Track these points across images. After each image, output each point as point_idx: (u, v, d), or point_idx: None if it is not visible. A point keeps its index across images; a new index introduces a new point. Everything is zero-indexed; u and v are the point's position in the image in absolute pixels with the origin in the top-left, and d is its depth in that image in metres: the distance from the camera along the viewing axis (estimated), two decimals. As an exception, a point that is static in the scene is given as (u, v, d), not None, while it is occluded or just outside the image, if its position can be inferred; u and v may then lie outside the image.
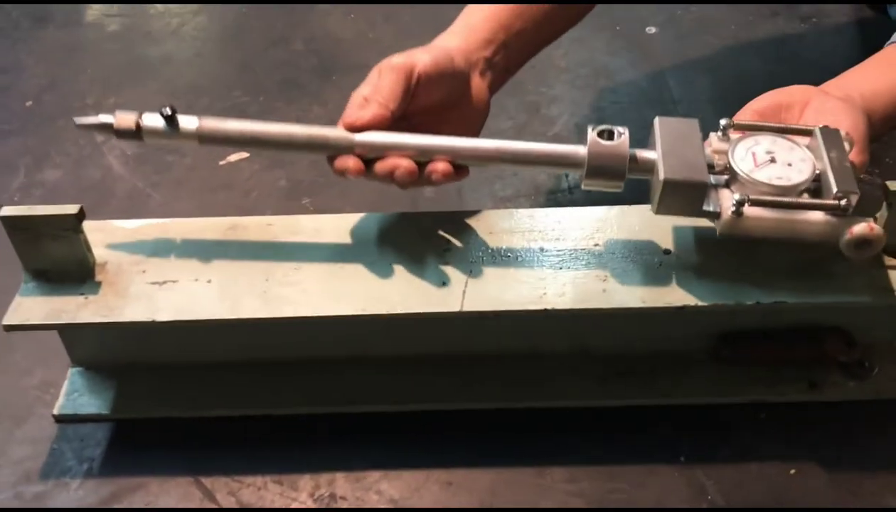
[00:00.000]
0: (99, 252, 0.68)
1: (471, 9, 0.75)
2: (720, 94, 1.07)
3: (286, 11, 1.26)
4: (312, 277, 0.66)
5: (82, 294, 0.65)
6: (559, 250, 0.68)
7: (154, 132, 0.63)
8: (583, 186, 0.63)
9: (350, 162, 0.62)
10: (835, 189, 0.58)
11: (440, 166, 0.63)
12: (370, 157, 0.63)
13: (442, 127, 0.68)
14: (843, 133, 0.63)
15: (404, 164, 0.62)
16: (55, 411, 0.70)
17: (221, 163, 0.98)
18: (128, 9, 1.30)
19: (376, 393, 0.71)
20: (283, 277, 0.66)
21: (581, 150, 0.62)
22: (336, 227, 0.70)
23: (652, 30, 1.19)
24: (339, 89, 1.10)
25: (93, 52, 1.21)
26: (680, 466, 0.66)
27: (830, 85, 0.74)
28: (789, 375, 0.71)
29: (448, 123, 0.69)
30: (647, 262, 0.66)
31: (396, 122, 0.65)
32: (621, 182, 0.62)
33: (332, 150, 0.63)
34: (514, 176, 0.96)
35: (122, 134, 0.63)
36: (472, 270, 0.66)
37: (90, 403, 0.71)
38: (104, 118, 0.63)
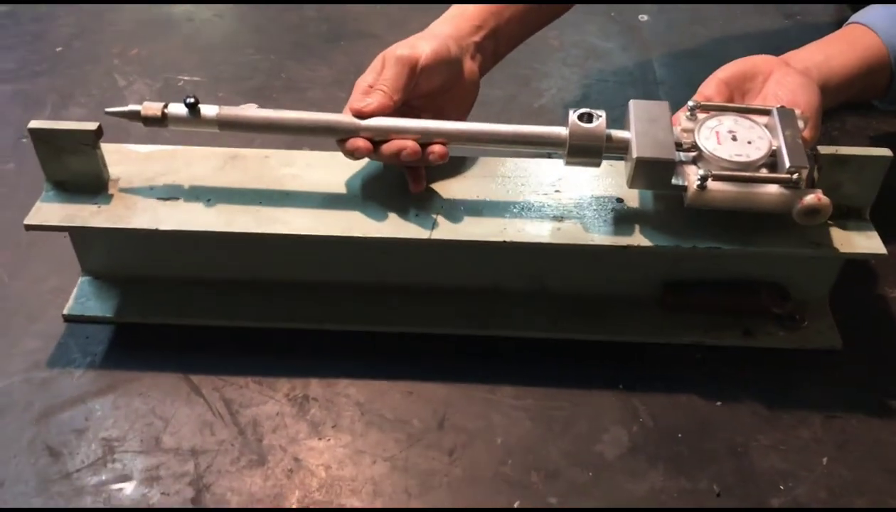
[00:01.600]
0: (114, 170, 0.76)
1: None
2: (700, 79, 1.13)
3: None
4: (301, 204, 0.74)
5: (96, 203, 0.73)
6: (523, 195, 0.75)
7: (178, 119, 0.71)
8: (564, 164, 0.71)
9: (360, 142, 0.70)
10: (788, 164, 0.66)
11: (437, 149, 0.70)
12: (376, 139, 0.71)
13: (438, 108, 0.76)
14: (798, 112, 0.70)
15: (409, 145, 0.69)
16: (65, 312, 0.79)
17: (231, 111, 1.06)
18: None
19: (350, 314, 0.79)
20: (276, 201, 0.74)
21: (563, 132, 0.70)
22: (327, 163, 0.78)
23: (644, 17, 1.27)
24: (345, 54, 1.18)
25: (120, 6, 1.29)
26: (617, 392, 0.74)
27: (791, 56, 0.81)
28: (727, 323, 0.78)
29: (444, 105, 0.77)
30: (602, 208, 0.74)
31: (405, 109, 0.73)
32: (599, 159, 0.70)
33: (342, 134, 0.71)
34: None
35: (149, 121, 0.71)
36: (444, 206, 0.73)
37: (96, 306, 0.79)
38: (133, 107, 0.71)
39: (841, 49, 0.82)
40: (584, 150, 0.69)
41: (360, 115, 0.70)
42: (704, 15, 1.28)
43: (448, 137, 0.71)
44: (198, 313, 0.79)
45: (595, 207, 0.74)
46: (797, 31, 1.25)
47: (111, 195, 0.74)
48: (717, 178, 0.67)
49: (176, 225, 0.72)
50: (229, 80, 1.12)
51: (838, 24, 1.28)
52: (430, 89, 0.75)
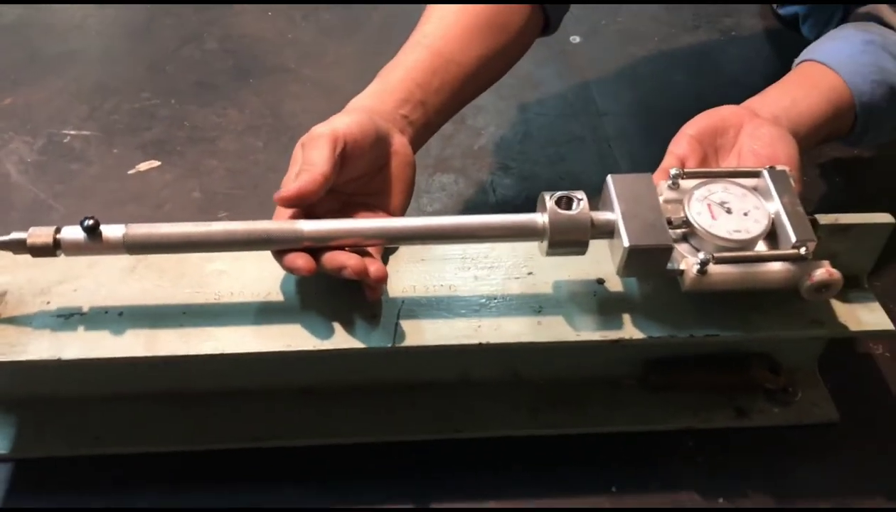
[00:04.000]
0: (-3, 281, 0.62)
1: (385, 70, 0.73)
2: (644, 108, 1.08)
3: (200, 8, 1.20)
4: (234, 310, 0.62)
5: (-22, 329, 0.60)
6: (492, 280, 0.66)
7: (75, 246, 0.58)
8: (544, 256, 0.61)
9: (300, 261, 0.58)
10: (793, 238, 0.59)
11: (375, 272, 0.59)
12: (318, 246, 0.60)
13: (376, 191, 0.67)
14: (787, 170, 0.63)
15: (351, 263, 0.58)
16: (-54, 453, 0.65)
17: (130, 172, 0.93)
18: (25, -3, 1.22)
19: (295, 428, 0.68)
20: (203, 312, 0.62)
21: (539, 220, 0.60)
22: (258, 252, 0.66)
23: (576, 39, 1.19)
24: (256, 93, 1.06)
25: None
26: (611, 497, 0.66)
27: (756, 104, 0.75)
28: (716, 401, 0.72)
29: (382, 187, 0.67)
30: (582, 292, 0.65)
31: (331, 196, 0.63)
32: (585, 249, 0.61)
33: (282, 245, 0.59)
34: (441, 190, 0.93)
35: (37, 251, 0.58)
36: (405, 306, 0.63)
37: (-14, 442, 0.66)
38: (15, 236, 0.58)
39: (805, 92, 0.77)
40: (568, 241, 0.60)
41: (286, 200, 0.59)
42: (637, 33, 1.21)
43: (407, 237, 0.61)
44: (115, 440, 0.66)
45: (575, 293, 0.65)
46: (734, 48, 1.20)
47: (-3, 316, 0.61)
48: (718, 261, 0.59)
49: (82, 352, 0.59)
50: (125, 133, 0.98)
51: (773, 37, 1.25)
52: (362, 169, 0.65)
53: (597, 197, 0.92)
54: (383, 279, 0.59)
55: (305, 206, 0.63)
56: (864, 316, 0.65)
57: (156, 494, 0.64)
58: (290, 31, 1.17)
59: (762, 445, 0.70)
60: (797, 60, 0.83)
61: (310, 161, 0.61)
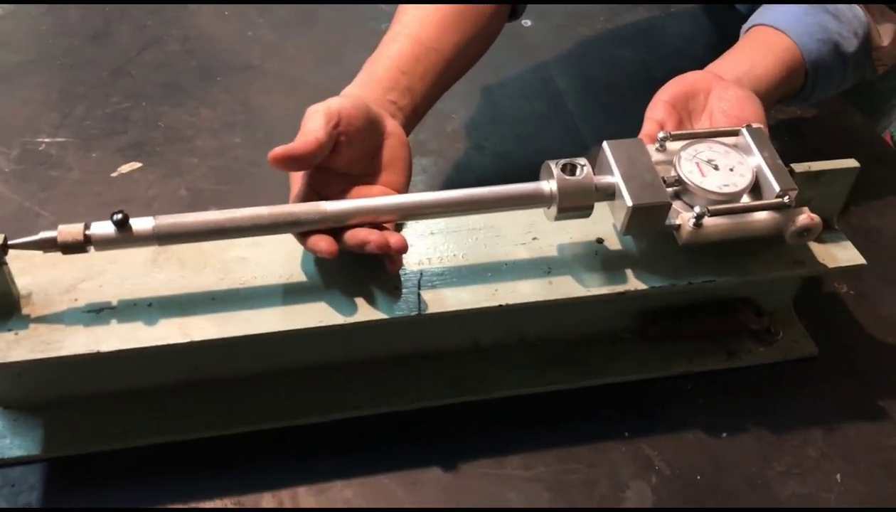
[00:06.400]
0: (21, 283, 0.63)
1: (370, 62, 0.76)
2: (599, 84, 1.13)
3: (154, 11, 1.20)
4: (261, 293, 0.64)
5: (10, 330, 0.60)
6: (500, 247, 0.70)
7: (106, 241, 0.59)
8: (553, 220, 0.65)
9: (322, 244, 0.61)
10: (777, 188, 0.64)
11: (395, 242, 0.62)
12: (340, 226, 0.63)
13: (376, 171, 0.69)
14: (762, 126, 0.69)
15: (374, 238, 0.61)
16: (-23, 459, 0.65)
17: (113, 174, 0.93)
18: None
19: (325, 403, 0.71)
20: (231, 296, 0.64)
21: (545, 187, 0.64)
22: (274, 236, 0.68)
23: (528, 23, 1.23)
24: (226, 91, 1.07)
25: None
26: (625, 442, 0.71)
27: (719, 68, 0.80)
28: (707, 347, 0.77)
29: (383, 166, 0.70)
30: (584, 253, 0.70)
31: (338, 179, 0.66)
32: (590, 211, 0.65)
33: (306, 226, 0.62)
34: (422, 172, 0.97)
35: (68, 248, 0.58)
36: (423, 277, 0.66)
37: (17, 444, 0.66)
38: (45, 235, 0.58)
39: (761, 55, 0.83)
40: (575, 206, 0.65)
41: (276, 160, 0.61)
42: (585, 14, 1.26)
43: (425, 211, 0.64)
44: (147, 432, 0.68)
45: (578, 253, 0.70)
46: (673, 22, 1.26)
47: (27, 315, 0.61)
48: (712, 213, 0.64)
49: (119, 344, 0.60)
50: (100, 137, 0.98)
51: (707, 11, 1.32)
52: (361, 148, 0.68)
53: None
54: (404, 249, 0.62)
55: (319, 191, 0.66)
56: (839, 254, 0.72)
57: (190, 480, 0.66)
58: (248, 28, 1.18)
59: (753, 382, 0.76)
60: (746, 25, 0.89)
61: (304, 130, 0.64)
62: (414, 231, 0.70)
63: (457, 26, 0.80)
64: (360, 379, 0.72)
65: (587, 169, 0.65)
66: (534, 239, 0.71)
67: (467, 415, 0.72)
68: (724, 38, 0.89)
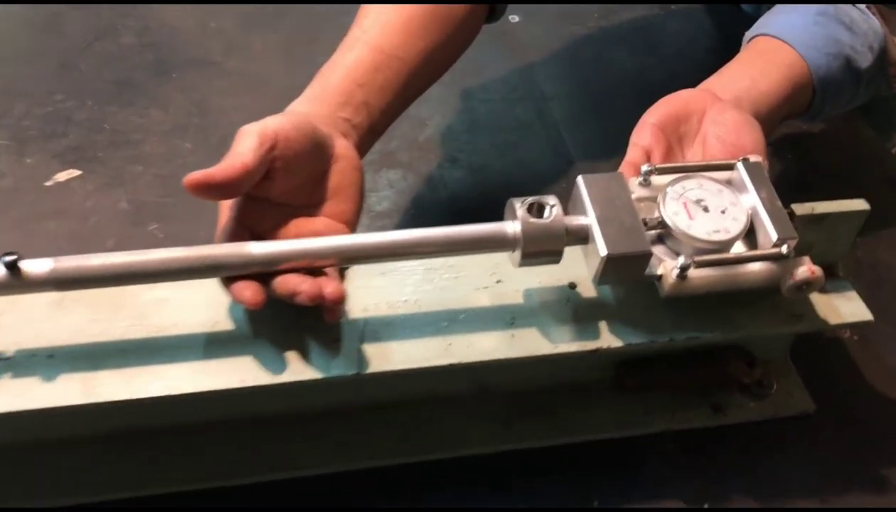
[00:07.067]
0: None
1: (323, 72, 0.67)
2: (589, 88, 1.04)
3: (111, -2, 1.11)
4: (179, 343, 0.56)
5: None
6: (459, 291, 0.62)
7: None
8: (517, 267, 0.57)
9: (247, 292, 0.53)
10: (774, 237, 0.56)
11: (332, 290, 0.53)
12: (270, 270, 0.54)
13: (323, 201, 0.61)
14: (760, 159, 0.61)
15: (305, 287, 0.53)
16: None
17: (48, 183, 0.85)
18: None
19: (248, 464, 0.63)
20: (145, 348, 0.56)
21: (509, 229, 0.56)
22: (199, 302, 0.60)
23: (515, 18, 1.14)
24: (180, 89, 0.98)
25: None
26: (595, 512, 0.63)
27: (715, 86, 0.72)
28: (692, 400, 0.69)
29: (328, 195, 0.61)
30: (554, 300, 0.62)
31: (275, 210, 0.58)
32: (559, 258, 0.57)
33: (229, 271, 0.54)
34: (389, 187, 0.88)
35: None
36: (367, 327, 0.58)
37: None
38: None
39: (763, 70, 0.74)
40: (542, 251, 0.56)
41: (190, 185, 0.52)
42: (577, 11, 1.17)
43: (366, 255, 0.56)
44: (54, 491, 0.60)
45: (547, 301, 0.61)
46: (673, 20, 1.17)
47: None
48: (698, 265, 0.56)
49: (10, 405, 0.52)
50: (38, 139, 0.90)
51: (709, 9, 1.22)
52: (302, 175, 0.59)
53: (552, 187, 0.90)
54: (340, 300, 0.54)
55: (250, 225, 0.58)
56: (843, 306, 0.64)
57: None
58: (211, 20, 1.09)
59: (741, 441, 0.68)
60: (749, 35, 0.81)
61: (232, 152, 0.55)
62: (362, 271, 0.62)
63: (424, 31, 0.71)
64: (299, 433, 0.64)
65: (556, 209, 0.56)
66: (498, 282, 0.62)
67: (418, 472, 0.64)
68: (728, 38, 0.80)
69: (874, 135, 1.01)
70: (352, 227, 0.62)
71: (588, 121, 0.99)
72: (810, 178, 0.94)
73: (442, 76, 0.77)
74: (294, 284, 0.53)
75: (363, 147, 0.67)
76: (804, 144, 0.98)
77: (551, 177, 0.91)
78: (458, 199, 0.89)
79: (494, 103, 1.01)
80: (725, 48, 0.76)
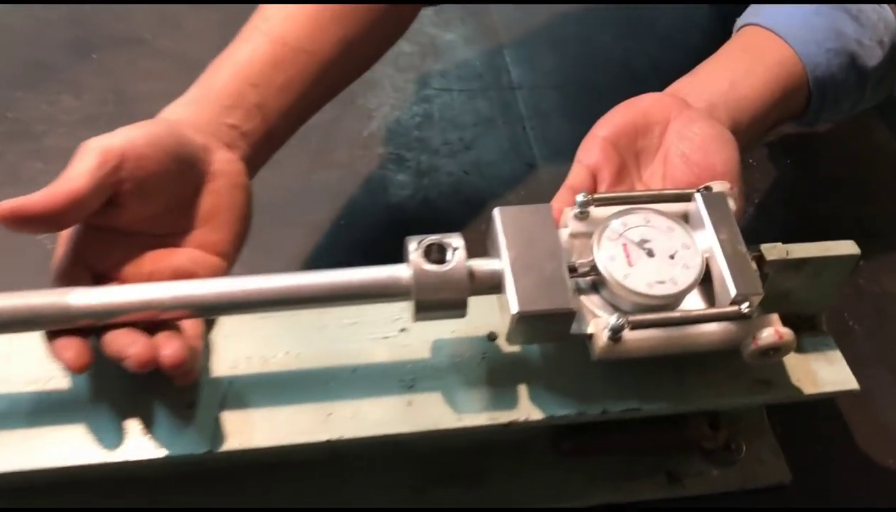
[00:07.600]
0: None
1: (213, 65, 0.56)
2: (565, 78, 0.92)
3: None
4: (2, 406, 0.46)
5: None
6: (353, 341, 0.51)
7: None
8: (413, 321, 0.46)
9: (68, 354, 0.42)
10: (733, 292, 0.45)
11: (170, 356, 0.43)
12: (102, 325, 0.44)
13: (191, 228, 0.50)
14: (727, 188, 0.50)
15: (135, 351, 0.42)
16: None
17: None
18: None
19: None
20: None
21: (403, 274, 0.45)
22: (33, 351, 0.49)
23: (491, -3, 1.02)
24: (99, 72, 0.87)
25: None
26: None
27: (686, 89, 0.61)
28: (643, 466, 0.59)
29: (198, 222, 0.51)
30: (467, 355, 0.51)
31: (126, 241, 0.48)
32: (463, 312, 0.46)
33: (42, 326, 0.43)
34: (323, 192, 0.77)
35: None
36: (230, 390, 0.48)
37: None
38: None
39: (747, 69, 0.62)
40: (440, 303, 0.45)
41: (11, 215, 0.42)
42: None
43: (224, 306, 0.45)
44: None
45: (459, 356, 0.51)
46: (662, 6, 1.04)
47: None
48: (634, 325, 0.45)
49: None
50: (-73, 129, 0.80)
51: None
52: (163, 199, 0.49)
53: (507, 195, 0.79)
54: (180, 366, 0.43)
55: (92, 261, 0.48)
56: (822, 370, 0.52)
57: None
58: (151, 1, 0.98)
59: (699, 519, 0.57)
60: (738, 23, 0.68)
61: (63, 175, 0.45)
62: (226, 321, 0.51)
63: (340, 18, 0.60)
64: (170, 494, 0.54)
65: (460, 253, 0.45)
66: (402, 331, 0.52)
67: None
68: (725, 21, 0.68)
69: (890, 137, 0.88)
70: (229, 259, 0.52)
71: (559, 117, 0.87)
72: (809, 186, 0.81)
73: (364, 73, 0.65)
74: (121, 345, 0.43)
75: (257, 159, 0.56)
76: (805, 146, 0.85)
77: (508, 183, 0.79)
78: (401, 206, 0.77)
79: (453, 93, 0.89)
80: (722, 33, 0.64)
